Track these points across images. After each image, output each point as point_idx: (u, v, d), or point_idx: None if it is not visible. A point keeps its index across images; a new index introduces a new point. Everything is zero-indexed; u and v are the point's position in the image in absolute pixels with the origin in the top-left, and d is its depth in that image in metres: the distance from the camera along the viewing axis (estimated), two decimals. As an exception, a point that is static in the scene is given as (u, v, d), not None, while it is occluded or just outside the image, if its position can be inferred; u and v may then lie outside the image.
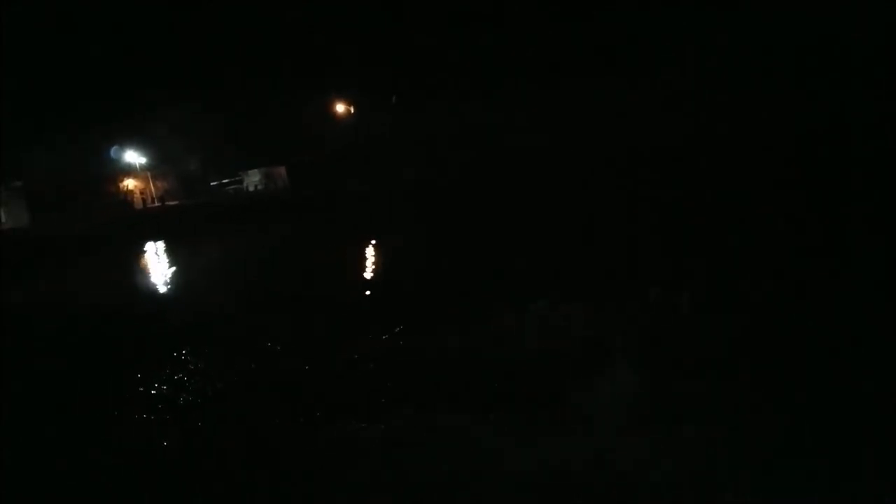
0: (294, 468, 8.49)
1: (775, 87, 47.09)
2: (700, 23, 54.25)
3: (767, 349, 9.20)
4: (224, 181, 60.06)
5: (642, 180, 34.34)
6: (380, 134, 58.69)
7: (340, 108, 65.82)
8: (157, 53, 73.68)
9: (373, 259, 25.79)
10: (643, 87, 53.26)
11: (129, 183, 60.47)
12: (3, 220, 52.68)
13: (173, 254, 37.39)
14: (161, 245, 40.71)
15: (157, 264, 33.85)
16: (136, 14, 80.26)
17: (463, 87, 59.55)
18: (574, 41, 60.11)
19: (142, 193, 60.45)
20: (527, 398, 9.06)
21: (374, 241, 29.33)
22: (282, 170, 60.36)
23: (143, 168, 60.73)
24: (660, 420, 7.81)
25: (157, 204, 58.12)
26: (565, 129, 51.59)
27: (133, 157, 60.01)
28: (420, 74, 62.29)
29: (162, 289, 25.91)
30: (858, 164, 24.65)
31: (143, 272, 30.83)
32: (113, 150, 59.70)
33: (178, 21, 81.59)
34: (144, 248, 39.55)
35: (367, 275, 22.61)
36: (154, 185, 60.89)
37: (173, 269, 31.29)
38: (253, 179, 58.93)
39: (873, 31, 42.78)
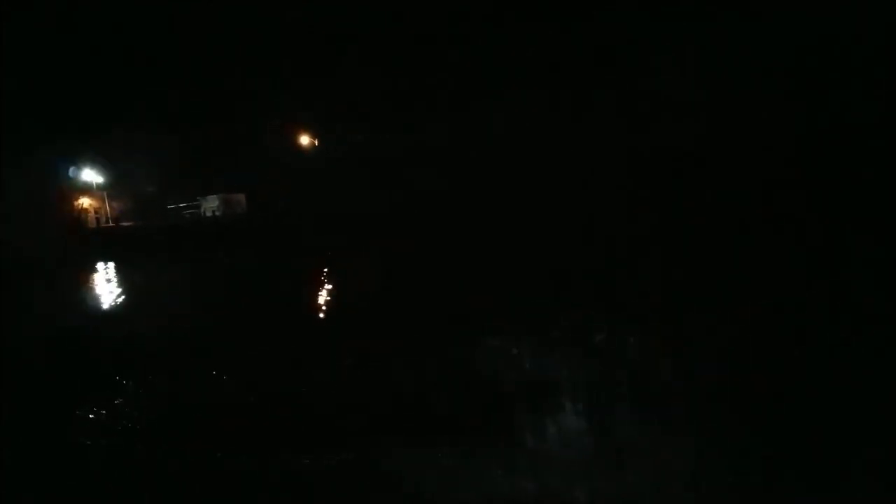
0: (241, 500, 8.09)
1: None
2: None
3: (721, 385, 8.86)
4: (181, 205, 58.70)
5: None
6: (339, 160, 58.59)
7: (303, 137, 65.61)
8: (119, 76, 72.34)
9: (326, 286, 25.01)
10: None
11: (84, 202, 58.64)
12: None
13: (125, 274, 35.90)
14: (112, 265, 39.36)
15: (108, 284, 32.53)
16: (96, 34, 78.92)
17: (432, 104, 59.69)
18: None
19: (96, 213, 58.60)
20: (475, 431, 8.78)
21: (329, 268, 28.70)
22: (241, 196, 59.36)
23: (100, 187, 59.07)
24: (606, 455, 7.62)
25: (111, 224, 56.42)
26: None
27: (90, 175, 58.41)
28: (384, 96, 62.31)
29: (111, 309, 24.81)
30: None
31: (93, 291, 29.64)
32: (71, 169, 58.16)
33: (138, 45, 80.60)
34: (95, 268, 38.16)
35: (320, 302, 21.88)
36: (110, 206, 59.12)
37: (125, 289, 30.08)
38: (210, 205, 57.60)
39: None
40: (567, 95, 55.48)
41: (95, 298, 27.52)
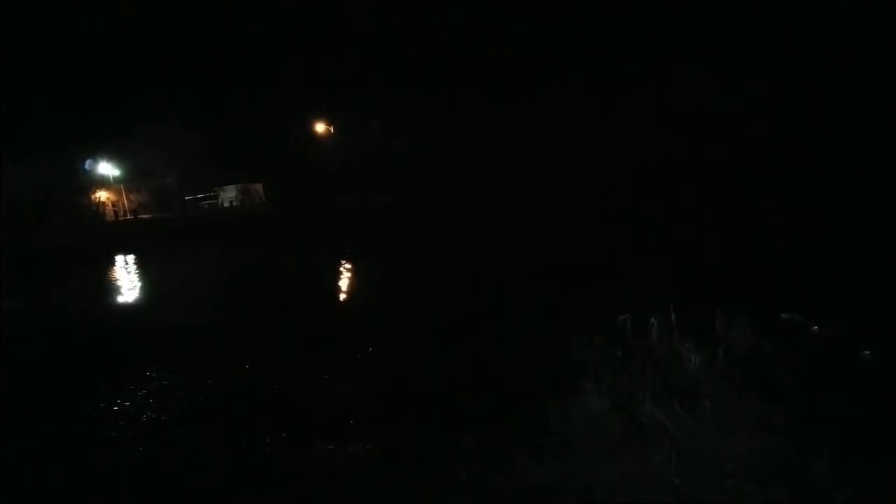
0: (263, 490, 8.01)
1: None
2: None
3: (746, 373, 8.74)
4: (199, 196, 58.78)
5: (634, 197, 34.42)
6: (361, 153, 58.63)
7: (321, 127, 65.43)
8: (136, 67, 72.92)
9: (348, 277, 25.10)
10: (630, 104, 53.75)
11: (102, 195, 59.05)
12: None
13: (142, 267, 36.18)
14: (131, 258, 39.61)
15: (126, 277, 32.69)
16: (115, 27, 79.39)
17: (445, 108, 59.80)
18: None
19: (114, 206, 58.94)
20: (501, 419, 8.73)
21: (350, 259, 28.71)
22: (258, 186, 59.31)
23: (117, 180, 59.38)
24: (635, 444, 7.42)
25: (129, 217, 56.69)
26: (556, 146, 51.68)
27: (107, 168, 58.68)
28: (404, 95, 62.50)
29: (127, 302, 24.97)
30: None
31: (109, 285, 29.83)
32: (87, 163, 58.55)
33: (157, 37, 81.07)
34: (114, 261, 38.45)
35: (343, 293, 21.96)
36: (127, 198, 59.46)
37: (142, 282, 30.35)
38: (229, 195, 57.65)
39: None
40: (581, 101, 55.80)
41: (110, 292, 27.67)
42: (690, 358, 9.79)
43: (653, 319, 11.27)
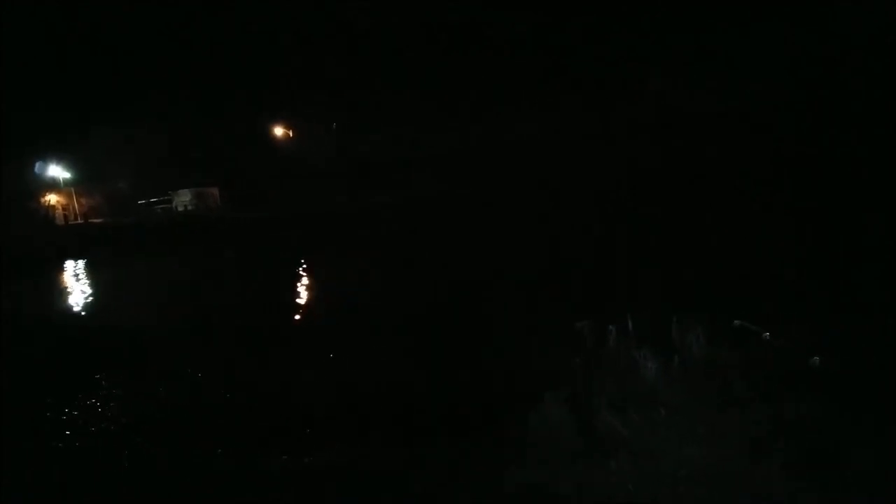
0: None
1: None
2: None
3: (702, 380, 8.76)
4: (153, 200, 58.68)
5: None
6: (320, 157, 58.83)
7: (279, 130, 65.54)
8: (89, 67, 72.50)
9: (306, 282, 25.16)
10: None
11: (52, 198, 58.40)
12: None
13: (93, 272, 35.81)
14: (81, 263, 39.04)
15: (77, 284, 32.06)
16: (71, 23, 79.04)
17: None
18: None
19: (64, 209, 58.49)
20: (459, 429, 8.94)
21: (307, 264, 28.80)
22: (214, 190, 59.49)
23: (68, 183, 58.91)
24: (592, 453, 7.56)
25: (80, 221, 56.33)
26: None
27: (57, 171, 58.21)
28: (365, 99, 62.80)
29: (80, 309, 24.46)
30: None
31: (61, 292, 29.24)
32: (37, 165, 57.99)
33: (112, 38, 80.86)
34: (63, 266, 37.90)
35: (301, 298, 22.02)
36: (78, 202, 59.05)
37: (94, 289, 29.59)
38: (183, 199, 57.69)
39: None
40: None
41: (63, 298, 27.32)
42: (647, 365, 9.84)
43: (610, 326, 11.38)
